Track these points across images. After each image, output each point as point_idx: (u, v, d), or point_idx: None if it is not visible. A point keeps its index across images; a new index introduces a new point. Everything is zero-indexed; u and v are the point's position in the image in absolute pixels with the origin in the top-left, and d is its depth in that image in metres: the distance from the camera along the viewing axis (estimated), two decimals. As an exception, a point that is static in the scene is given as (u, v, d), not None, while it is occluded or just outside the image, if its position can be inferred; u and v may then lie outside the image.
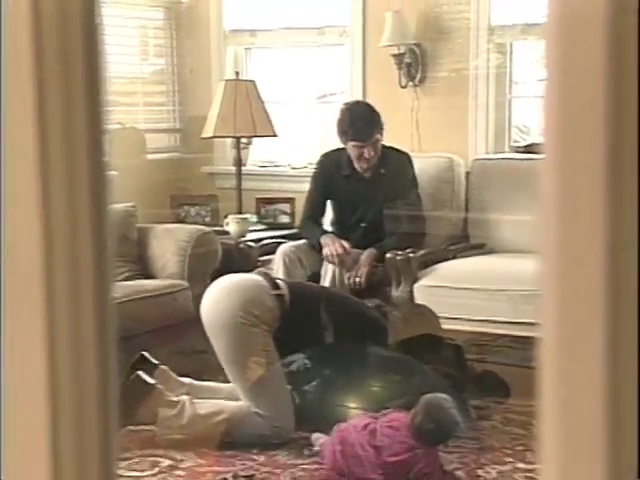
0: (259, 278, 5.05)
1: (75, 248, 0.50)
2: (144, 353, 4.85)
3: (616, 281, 0.40)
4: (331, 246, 5.87)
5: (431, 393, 4.45)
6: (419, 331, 5.30)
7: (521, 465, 4.51)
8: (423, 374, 5.11)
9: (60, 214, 0.50)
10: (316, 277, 5.95)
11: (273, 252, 6.20)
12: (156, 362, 4.85)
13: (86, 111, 0.50)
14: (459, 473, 4.35)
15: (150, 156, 7.30)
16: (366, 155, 5.99)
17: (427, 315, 5.40)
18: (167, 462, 4.57)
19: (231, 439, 4.70)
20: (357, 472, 4.31)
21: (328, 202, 6.36)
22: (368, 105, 6.21)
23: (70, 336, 0.51)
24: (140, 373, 4.78)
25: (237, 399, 4.85)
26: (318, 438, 4.59)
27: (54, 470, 0.51)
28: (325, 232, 6.15)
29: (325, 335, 5.04)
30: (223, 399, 4.90)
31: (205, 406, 4.82)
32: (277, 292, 4.96)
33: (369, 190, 6.09)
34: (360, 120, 6.00)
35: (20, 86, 0.50)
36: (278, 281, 5.08)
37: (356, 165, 6.07)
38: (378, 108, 6.20)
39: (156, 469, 4.50)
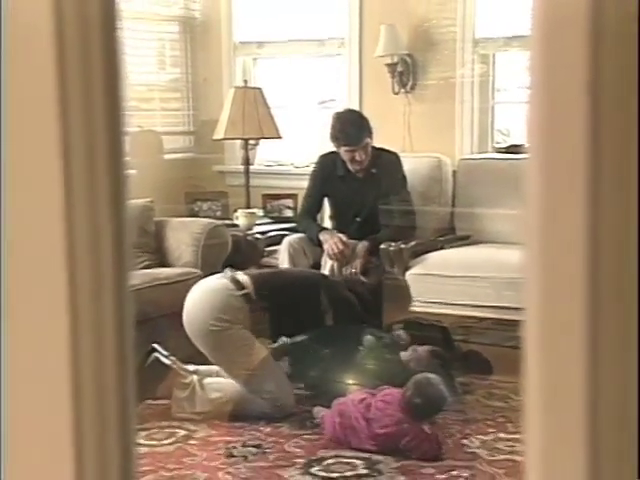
0: (225, 282, 5.01)
1: (96, 240, 0.50)
2: (154, 345, 4.86)
3: (596, 268, 0.39)
4: (330, 242, 5.86)
5: (421, 373, 4.48)
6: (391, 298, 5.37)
7: (502, 435, 4.53)
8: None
9: (82, 209, 0.50)
10: (318, 266, 5.96)
11: (278, 243, 6.21)
12: (166, 353, 4.86)
13: (106, 114, 0.50)
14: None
15: (166, 156, 7.31)
16: (357, 158, 6.00)
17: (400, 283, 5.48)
18: (182, 432, 4.61)
19: (237, 414, 4.73)
20: (353, 442, 4.34)
21: (325, 199, 6.37)
22: (357, 112, 6.24)
23: (92, 320, 0.51)
24: (158, 355, 4.79)
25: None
26: (319, 411, 4.61)
27: (77, 441, 0.51)
28: (322, 228, 6.15)
29: (298, 315, 5.07)
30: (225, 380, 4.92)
31: (212, 387, 4.84)
32: (242, 292, 4.95)
33: (362, 189, 6.09)
34: (350, 127, 6.00)
35: (43, 90, 0.50)
36: (242, 278, 5.04)
37: (349, 167, 6.07)
38: (373, 113, 6.22)
39: (172, 439, 4.53)
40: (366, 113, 6.30)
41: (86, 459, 0.51)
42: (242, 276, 5.04)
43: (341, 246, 5.82)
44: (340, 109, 6.47)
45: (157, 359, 4.80)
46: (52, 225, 0.50)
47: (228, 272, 5.10)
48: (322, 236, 5.96)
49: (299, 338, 5.12)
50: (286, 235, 6.26)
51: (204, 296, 4.94)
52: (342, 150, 6.03)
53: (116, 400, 0.52)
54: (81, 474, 0.51)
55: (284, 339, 5.13)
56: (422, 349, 5.17)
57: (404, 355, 5.15)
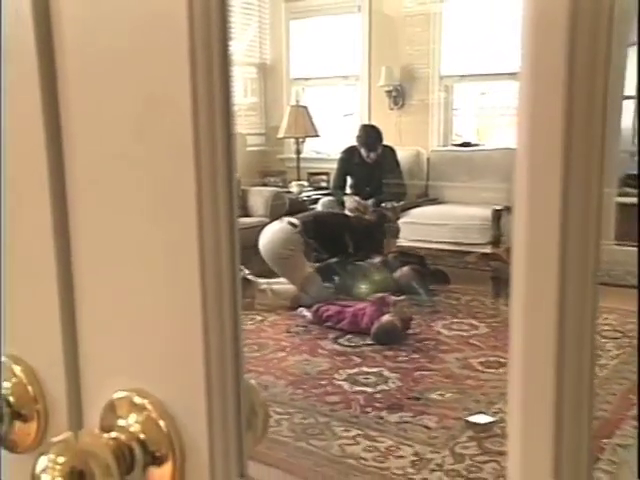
0: (285, 225, 5.03)
1: (216, 197, 0.50)
2: (241, 267, 4.86)
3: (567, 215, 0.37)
4: (350, 201, 5.89)
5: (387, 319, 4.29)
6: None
7: (455, 320, 4.53)
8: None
9: (207, 178, 0.50)
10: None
11: (316, 202, 6.25)
12: (248, 272, 4.86)
13: (222, 119, 0.50)
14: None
15: (248, 149, 7.30)
16: (371, 156, 6.03)
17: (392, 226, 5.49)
18: (259, 318, 4.63)
19: (293, 306, 4.77)
20: (354, 329, 4.34)
21: (347, 177, 6.35)
22: (376, 128, 6.17)
23: (214, 246, 0.51)
24: (244, 274, 4.81)
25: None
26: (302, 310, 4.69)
27: (213, 322, 0.51)
28: (345, 194, 6.16)
29: (330, 241, 5.08)
30: (286, 285, 4.95)
31: (278, 290, 4.87)
32: (297, 230, 4.96)
33: (371, 170, 6.07)
34: (370, 137, 6.04)
35: (182, 101, 0.49)
36: (295, 221, 5.05)
37: (364, 157, 6.07)
38: (377, 122, 6.22)
39: (253, 321, 4.56)
40: (373, 122, 6.31)
41: (210, 326, 0.51)
42: (294, 219, 5.06)
43: (356, 204, 5.82)
44: (366, 123, 6.51)
45: (243, 277, 4.83)
46: (187, 187, 0.49)
47: (285, 219, 5.11)
48: (345, 198, 5.99)
49: (331, 260, 5.14)
50: (321, 198, 6.30)
51: (274, 235, 4.96)
52: (362, 150, 6.04)
53: (229, 292, 0.52)
54: (208, 341, 0.51)
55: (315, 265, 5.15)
56: (406, 268, 5.19)
57: (401, 271, 5.17)
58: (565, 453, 0.38)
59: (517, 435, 0.39)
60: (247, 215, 6.06)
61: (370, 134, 6.06)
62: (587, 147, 0.35)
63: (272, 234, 4.99)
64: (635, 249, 5.14)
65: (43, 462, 0.47)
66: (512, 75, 6.15)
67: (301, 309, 4.67)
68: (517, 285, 0.37)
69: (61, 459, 0.47)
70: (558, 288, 0.36)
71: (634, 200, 5.22)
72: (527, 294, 0.37)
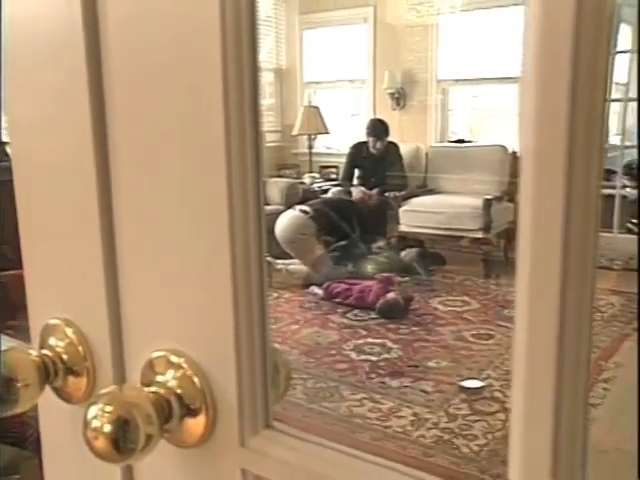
0: (298, 212, 5.03)
1: (245, 188, 0.50)
2: None
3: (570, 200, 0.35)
4: (356, 192, 5.87)
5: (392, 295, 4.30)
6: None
7: (450, 297, 4.54)
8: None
9: (237, 171, 0.49)
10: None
11: (326, 192, 6.23)
12: (266, 254, 4.81)
13: (251, 116, 0.50)
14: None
15: (266, 144, 7.29)
16: (377, 146, 5.98)
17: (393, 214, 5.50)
18: (275, 294, 4.64)
19: (306, 284, 4.77)
20: (363, 305, 4.35)
21: (355, 169, 6.32)
22: (383, 120, 6.14)
23: (243, 232, 0.50)
24: None
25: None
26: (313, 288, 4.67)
27: (235, 301, 0.50)
28: (352, 184, 6.13)
29: (339, 225, 5.07)
30: (299, 266, 4.95)
31: (293, 270, 4.88)
32: (308, 216, 4.96)
33: (377, 163, 6.02)
34: (377, 128, 5.99)
35: (214, 99, 0.48)
36: (306, 208, 5.05)
37: (371, 150, 6.03)
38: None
39: (269, 298, 4.52)
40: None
41: (239, 293, 0.50)
42: (306, 207, 5.07)
43: (362, 194, 5.81)
44: (373, 117, 6.46)
45: None
46: (219, 178, 0.49)
47: (297, 207, 5.12)
48: (352, 188, 5.97)
49: (340, 243, 5.14)
50: (331, 188, 6.29)
51: (288, 222, 4.95)
52: (370, 139, 6.00)
53: (255, 264, 0.52)
54: (237, 307, 0.50)
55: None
56: (413, 250, 5.20)
57: (402, 253, 5.18)
58: (563, 455, 0.37)
59: (518, 436, 0.38)
60: (265, 204, 6.04)
61: (377, 126, 6.04)
62: (589, 145, 0.34)
63: (286, 221, 5.00)
64: (608, 234, 5.12)
65: (93, 411, 0.48)
66: (502, 79, 6.12)
67: (313, 287, 4.68)
68: (522, 273, 0.36)
69: (109, 408, 0.48)
70: (560, 275, 0.36)
71: (609, 191, 5.20)
72: (531, 283, 0.36)
